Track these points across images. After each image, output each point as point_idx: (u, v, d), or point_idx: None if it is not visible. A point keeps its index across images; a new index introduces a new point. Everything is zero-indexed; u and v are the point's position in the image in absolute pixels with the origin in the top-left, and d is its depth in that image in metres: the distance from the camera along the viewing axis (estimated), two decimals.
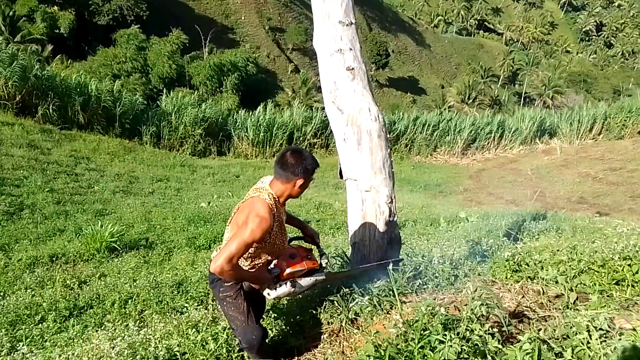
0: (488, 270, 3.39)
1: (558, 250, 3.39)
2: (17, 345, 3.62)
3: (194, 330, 3.10)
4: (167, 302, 4.75)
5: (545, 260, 3.26)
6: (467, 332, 2.18)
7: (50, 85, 16.25)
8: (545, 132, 27.50)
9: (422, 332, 2.20)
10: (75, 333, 3.97)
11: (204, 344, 2.97)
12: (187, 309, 3.80)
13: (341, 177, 3.86)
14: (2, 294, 5.25)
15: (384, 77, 65.47)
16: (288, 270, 2.83)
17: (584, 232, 6.08)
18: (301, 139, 21.95)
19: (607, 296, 2.89)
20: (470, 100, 64.76)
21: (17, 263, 6.05)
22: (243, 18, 56.86)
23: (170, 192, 12.07)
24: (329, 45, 3.86)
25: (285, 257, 2.88)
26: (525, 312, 2.77)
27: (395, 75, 67.63)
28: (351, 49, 3.82)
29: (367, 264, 3.46)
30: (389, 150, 3.81)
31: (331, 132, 20.87)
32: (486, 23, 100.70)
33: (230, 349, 2.97)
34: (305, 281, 2.91)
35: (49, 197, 9.06)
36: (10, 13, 34.75)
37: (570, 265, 3.15)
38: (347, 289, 3.03)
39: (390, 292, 2.83)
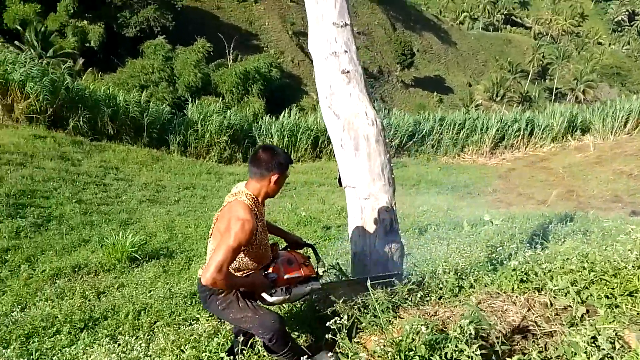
0: (495, 280, 3.25)
1: (568, 258, 3.22)
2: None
3: (189, 345, 3.04)
4: (180, 313, 4.74)
5: (555, 269, 3.10)
6: (456, 353, 2.09)
7: (80, 98, 16.76)
8: (577, 128, 26.68)
9: (407, 352, 2.12)
10: (83, 347, 4.01)
11: None
12: (198, 321, 3.81)
13: (340, 184, 3.79)
14: (23, 305, 5.40)
15: (410, 77, 64.83)
16: (285, 276, 2.80)
17: (614, 235, 5.82)
18: (326, 142, 21.89)
19: (617, 309, 2.71)
20: (499, 98, 63.48)
21: (40, 274, 6.21)
22: (267, 24, 57.35)
23: (195, 200, 12.21)
24: (323, 48, 3.78)
25: (283, 262, 2.85)
26: (531, 327, 2.63)
27: (421, 75, 66.91)
28: (346, 52, 3.74)
29: (368, 275, 3.38)
30: (388, 155, 3.71)
31: None
32: (513, 17, 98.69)
33: None
34: (300, 289, 2.87)
35: (77, 208, 9.28)
36: (42, 29, 35.91)
37: (580, 275, 2.98)
38: (344, 303, 2.95)
39: (389, 307, 2.74)
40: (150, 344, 3.12)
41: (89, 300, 5.43)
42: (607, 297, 2.78)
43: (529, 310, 2.82)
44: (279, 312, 3.50)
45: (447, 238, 6.56)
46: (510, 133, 25.36)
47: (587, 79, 70.49)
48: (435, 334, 2.19)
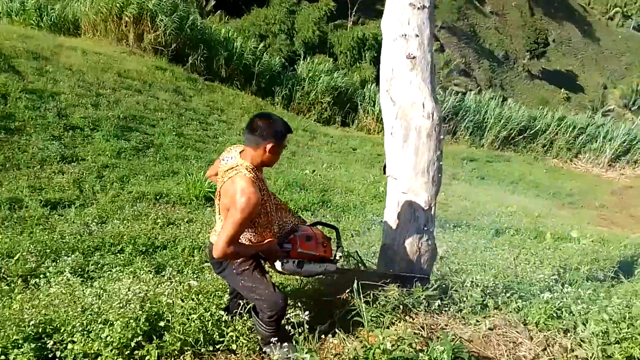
0: (525, 308, 2.93)
1: (608, 306, 2.78)
2: (68, 269, 3.90)
3: (203, 296, 3.09)
4: None
5: (592, 313, 2.68)
6: None
7: (201, 37, 17.66)
8: None
9: None
10: (132, 270, 4.24)
11: (199, 311, 2.92)
12: None
13: (385, 172, 3.63)
14: (103, 220, 5.90)
15: (538, 67, 59.83)
16: (299, 250, 2.79)
17: None
18: None
19: None
20: (636, 107, 56.83)
21: (127, 195, 6.74)
22: None
23: (285, 153, 12.46)
24: (394, 28, 3.55)
25: (301, 236, 2.84)
26: None
27: (551, 67, 61.55)
28: (417, 36, 3.47)
29: (391, 270, 3.25)
30: (439, 152, 3.45)
31: (461, 118, 19.44)
32: None
33: (216, 324, 2.91)
34: (313, 267, 2.83)
35: (175, 141, 9.92)
36: None
37: (615, 327, 2.58)
38: (349, 293, 2.85)
39: (399, 307, 2.59)
40: (179, 287, 3.23)
41: (159, 228, 5.79)
42: (632, 358, 2.37)
43: (544, 350, 2.52)
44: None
45: (521, 247, 6.09)
46: (638, 147, 22.78)
47: None
48: (411, 353, 2.04)
